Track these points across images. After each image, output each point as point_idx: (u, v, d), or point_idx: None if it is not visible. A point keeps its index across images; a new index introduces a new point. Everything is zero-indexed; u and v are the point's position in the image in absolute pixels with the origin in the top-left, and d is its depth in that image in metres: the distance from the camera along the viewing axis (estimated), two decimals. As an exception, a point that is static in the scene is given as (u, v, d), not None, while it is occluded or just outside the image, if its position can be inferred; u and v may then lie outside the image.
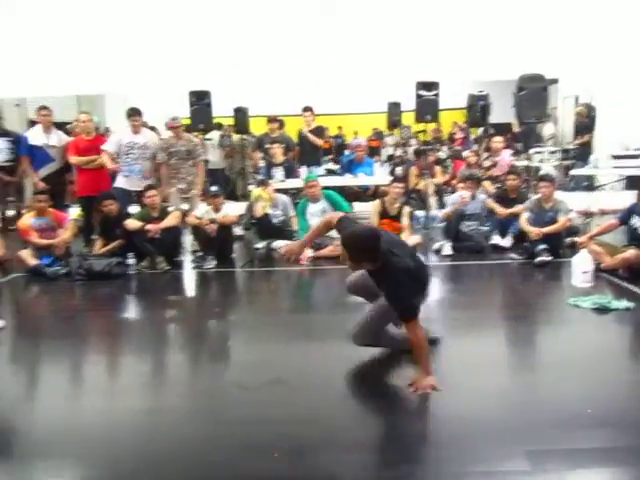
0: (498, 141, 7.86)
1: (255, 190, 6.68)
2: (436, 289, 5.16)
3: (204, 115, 7.64)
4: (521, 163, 8.23)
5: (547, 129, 9.91)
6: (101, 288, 5.14)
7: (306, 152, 7.90)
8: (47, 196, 5.68)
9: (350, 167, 8.01)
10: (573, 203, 6.14)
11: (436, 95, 6.97)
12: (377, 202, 6.14)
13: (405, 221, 5.96)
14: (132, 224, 5.67)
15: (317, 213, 6.09)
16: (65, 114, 8.53)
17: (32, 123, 7.44)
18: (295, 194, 7.07)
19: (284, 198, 6.53)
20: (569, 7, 8.15)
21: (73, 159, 6.26)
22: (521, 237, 5.74)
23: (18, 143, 6.31)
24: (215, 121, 8.57)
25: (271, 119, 8.11)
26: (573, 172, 8.45)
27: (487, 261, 5.66)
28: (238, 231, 6.67)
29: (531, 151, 8.10)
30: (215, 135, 9.70)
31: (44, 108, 6.40)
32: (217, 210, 5.95)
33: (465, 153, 8.78)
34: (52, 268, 5.39)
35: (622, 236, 5.17)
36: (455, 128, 12.92)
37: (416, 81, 7.07)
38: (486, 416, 2.60)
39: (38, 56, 8.98)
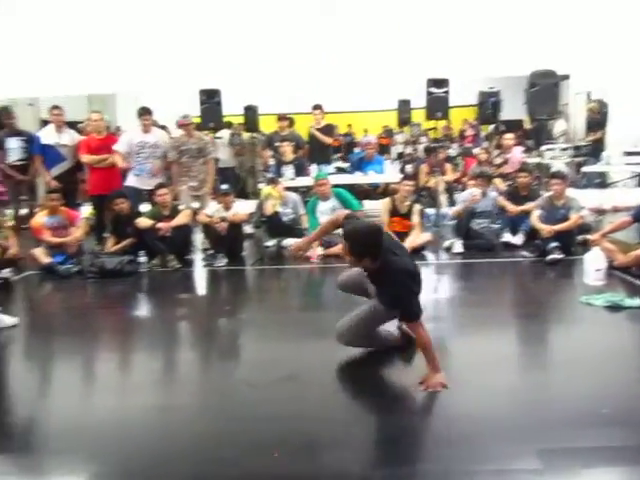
0: (509, 138, 7.80)
1: (265, 188, 6.69)
2: (447, 287, 5.16)
3: (214, 114, 7.67)
4: (532, 160, 8.18)
5: (559, 126, 9.83)
6: (113, 286, 5.18)
7: (316, 150, 7.89)
8: (59, 195, 5.73)
9: (360, 165, 8.00)
10: (585, 200, 6.09)
11: (446, 92, 6.95)
12: (387, 200, 6.13)
13: (415, 219, 5.95)
14: (143, 222, 5.70)
15: (327, 211, 6.09)
16: (76, 113, 8.59)
17: (44, 122, 7.50)
18: (305, 192, 7.08)
19: (294, 196, 6.53)
20: (580, 1, 8.08)
21: (85, 158, 6.31)
22: (532, 235, 5.70)
23: (31, 142, 6.36)
24: (225, 120, 8.60)
25: (281, 117, 8.11)
26: (585, 169, 8.38)
27: (498, 259, 5.63)
28: (248, 229, 6.69)
29: (542, 148, 8.04)
30: (225, 134, 9.73)
31: (56, 107, 6.45)
32: (227, 208, 5.97)
33: (476, 150, 8.73)
34: (64, 266, 5.43)
35: (635, 233, 5.13)
36: (465, 125, 12.85)
37: (427, 78, 7.05)
38: (497, 414, 2.59)
39: (50, 56, 9.06)
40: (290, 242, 5.76)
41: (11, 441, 2.56)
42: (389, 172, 8.35)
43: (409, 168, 8.82)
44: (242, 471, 2.22)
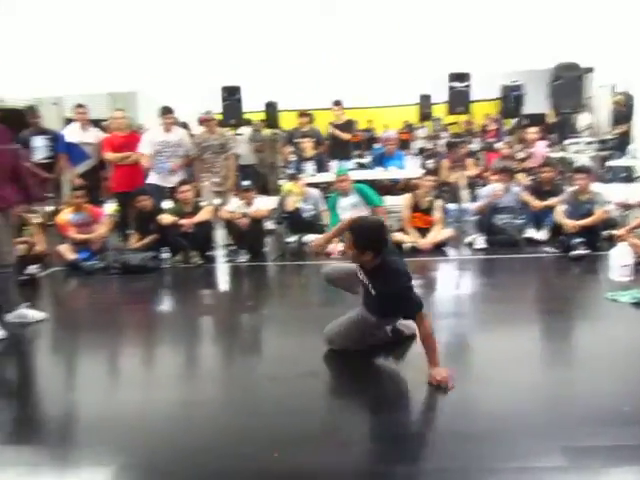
0: (533, 132, 7.70)
1: (286, 184, 6.71)
2: (469, 283, 5.12)
3: (235, 110, 7.73)
4: (556, 154, 8.06)
5: (583, 119, 9.67)
6: (136, 282, 5.25)
7: (336, 146, 7.89)
8: (84, 192, 5.82)
9: (381, 160, 7.97)
10: (611, 195, 5.98)
11: (468, 86, 6.90)
12: (409, 196, 6.10)
13: (437, 215, 5.91)
14: (166, 219, 5.76)
15: (348, 207, 6.08)
16: (99, 112, 8.71)
17: (68, 121, 7.61)
18: (325, 188, 7.08)
19: (315, 192, 6.54)
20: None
21: (108, 155, 6.39)
22: (557, 230, 5.62)
23: (56, 141, 6.46)
24: (244, 117, 8.64)
25: (301, 113, 8.12)
26: (610, 163, 8.23)
27: (521, 254, 5.57)
28: (270, 225, 6.72)
29: (566, 142, 7.92)
30: (246, 130, 9.77)
31: (80, 106, 6.54)
32: (249, 204, 6.00)
33: (498, 145, 8.64)
34: (89, 262, 5.53)
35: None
36: (487, 120, 12.72)
37: (448, 72, 7.00)
38: (520, 411, 2.56)
39: (73, 56, 9.21)
40: (311, 238, 5.78)
41: (41, 433, 2.62)
42: (410, 167, 8.30)
43: (430, 163, 8.76)
44: (264, 465, 2.24)
